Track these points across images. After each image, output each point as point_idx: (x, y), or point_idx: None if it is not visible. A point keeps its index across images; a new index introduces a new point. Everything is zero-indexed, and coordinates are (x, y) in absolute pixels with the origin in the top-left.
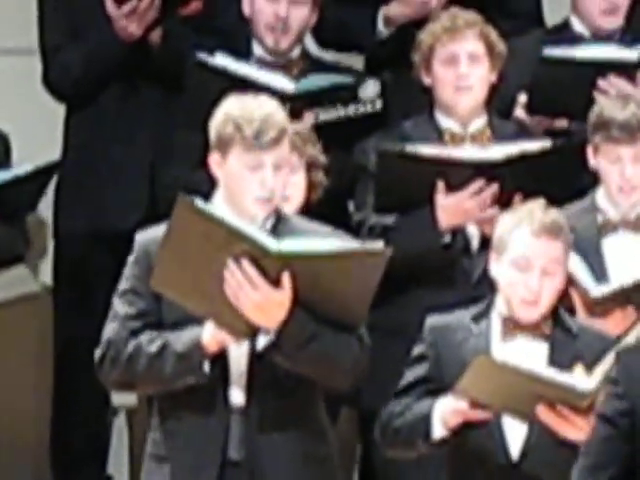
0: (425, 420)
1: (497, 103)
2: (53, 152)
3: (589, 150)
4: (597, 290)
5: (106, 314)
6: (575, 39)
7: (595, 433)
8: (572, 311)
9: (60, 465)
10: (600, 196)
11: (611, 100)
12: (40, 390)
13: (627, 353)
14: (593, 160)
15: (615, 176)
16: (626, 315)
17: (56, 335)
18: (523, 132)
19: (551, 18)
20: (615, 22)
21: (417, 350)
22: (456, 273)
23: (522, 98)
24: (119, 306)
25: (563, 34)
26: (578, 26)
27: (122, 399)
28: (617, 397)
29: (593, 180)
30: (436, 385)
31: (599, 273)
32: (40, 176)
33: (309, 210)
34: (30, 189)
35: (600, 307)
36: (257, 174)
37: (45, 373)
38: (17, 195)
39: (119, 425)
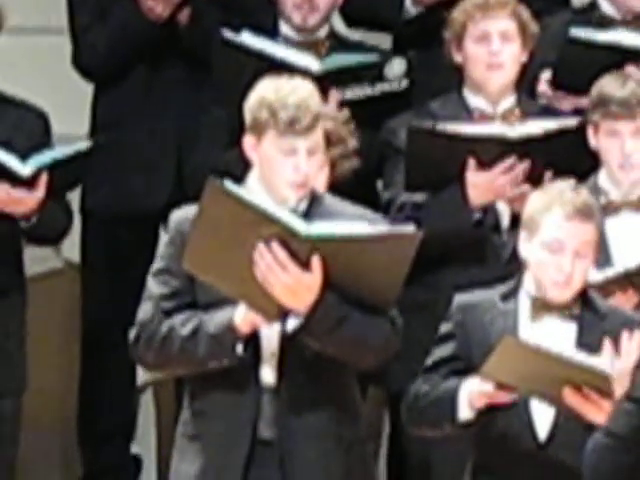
0: (451, 401)
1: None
2: (82, 131)
3: (589, 129)
4: (596, 276)
5: (133, 292)
6: (604, 21)
7: (626, 416)
8: None
9: (87, 442)
10: (602, 177)
11: (610, 78)
12: (67, 367)
13: None
14: (593, 139)
15: (615, 152)
16: (627, 297)
17: (84, 312)
18: (549, 110)
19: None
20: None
21: (444, 328)
22: (486, 251)
23: (546, 74)
24: (153, 286)
25: (591, 15)
26: (607, 7)
27: (148, 376)
28: None
29: (595, 163)
30: (463, 364)
31: (602, 254)
32: (81, 158)
33: (334, 187)
34: (70, 170)
35: (601, 290)
36: (291, 159)
37: (71, 350)
38: (62, 173)
39: (146, 402)
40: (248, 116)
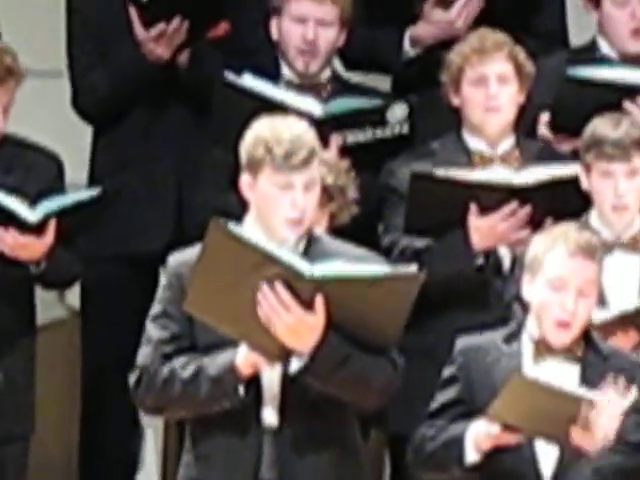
0: (458, 444)
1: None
2: (80, 173)
3: (581, 171)
4: (597, 316)
5: (133, 336)
6: (602, 61)
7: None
8: None
9: None
10: (593, 218)
11: (603, 119)
12: (68, 414)
13: None
14: (585, 181)
15: (608, 193)
16: (629, 337)
17: (84, 357)
18: (549, 152)
19: (575, 39)
20: None
21: (448, 372)
22: (489, 295)
23: (545, 117)
24: (152, 330)
25: (590, 55)
26: (605, 48)
27: (151, 420)
28: None
29: (585, 203)
30: (468, 407)
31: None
32: (90, 205)
33: (334, 231)
34: (81, 216)
35: (603, 331)
36: (287, 195)
37: (73, 397)
38: (74, 219)
39: (148, 445)
40: (244, 155)
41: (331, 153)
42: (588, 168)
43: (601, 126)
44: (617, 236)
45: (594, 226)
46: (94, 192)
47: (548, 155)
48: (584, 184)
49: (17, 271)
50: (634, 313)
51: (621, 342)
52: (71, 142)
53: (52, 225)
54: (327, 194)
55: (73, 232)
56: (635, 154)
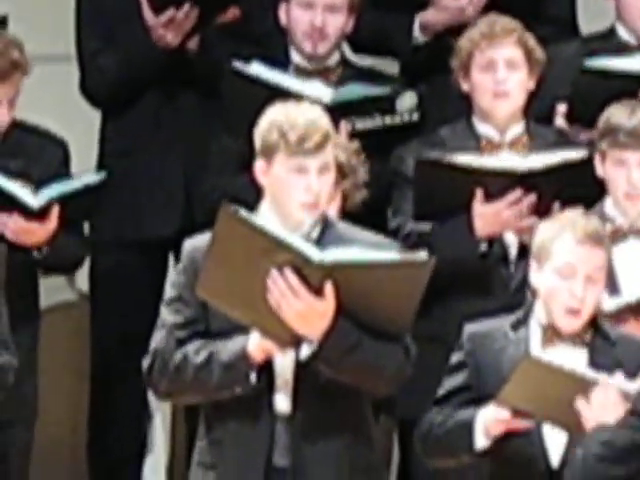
0: (467, 430)
1: (536, 110)
2: (89, 159)
3: (596, 158)
4: (610, 303)
5: (142, 321)
6: (620, 48)
7: (629, 430)
8: None
9: (97, 472)
10: (608, 205)
11: (619, 107)
12: (77, 397)
13: None
14: (600, 168)
15: (622, 182)
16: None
17: (93, 342)
18: (563, 140)
19: (586, 26)
20: None
21: (455, 358)
22: (494, 281)
23: (562, 108)
24: (166, 314)
25: (608, 42)
26: (624, 34)
27: (159, 404)
28: None
29: (601, 190)
30: (475, 393)
31: (609, 282)
32: (93, 189)
33: (345, 216)
34: (86, 200)
35: (614, 318)
36: (302, 178)
37: (82, 380)
38: (77, 204)
39: (157, 430)
40: (258, 141)
41: (340, 139)
42: (603, 156)
43: (616, 114)
44: (631, 223)
45: (609, 213)
46: (98, 177)
47: (561, 143)
48: (599, 171)
49: (20, 256)
50: None
51: (634, 329)
52: (79, 128)
53: (55, 210)
54: (341, 172)
55: (77, 217)
56: None
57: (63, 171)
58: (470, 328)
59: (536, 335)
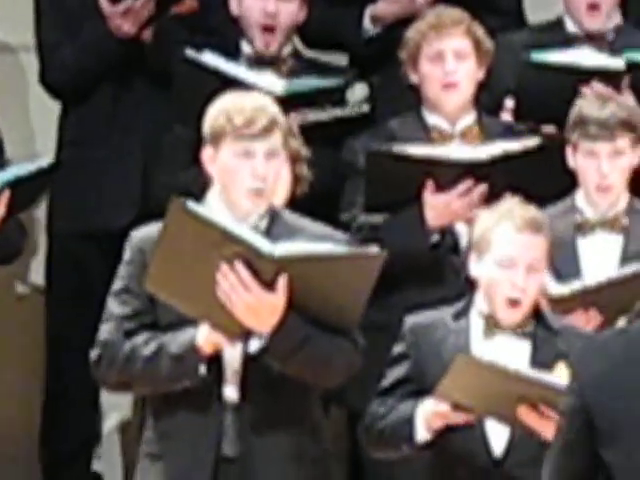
0: (408, 423)
1: (485, 103)
2: (47, 150)
3: (568, 149)
4: (557, 289)
5: (99, 313)
6: (567, 40)
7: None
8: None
9: (49, 464)
10: (579, 196)
11: (591, 99)
12: (28, 392)
13: None
14: (572, 159)
15: (592, 173)
16: (589, 317)
17: (48, 334)
18: (511, 128)
19: (532, 17)
20: (597, 20)
21: (397, 350)
22: (446, 271)
23: (509, 103)
24: (114, 306)
25: (556, 33)
26: (571, 26)
27: (112, 398)
28: None
29: (573, 181)
30: (418, 385)
31: (574, 273)
32: (42, 175)
33: (295, 204)
34: (31, 187)
35: (560, 306)
36: (248, 163)
37: (35, 373)
38: (24, 191)
39: (111, 424)
40: (206, 128)
41: (293, 126)
42: (574, 147)
43: (587, 105)
44: (601, 216)
45: (579, 205)
46: (46, 162)
47: (510, 134)
48: (570, 162)
49: None
50: (595, 290)
51: (580, 321)
52: (38, 118)
53: (5, 196)
54: (292, 157)
55: (23, 204)
56: (620, 135)
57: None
58: (411, 319)
59: (477, 325)
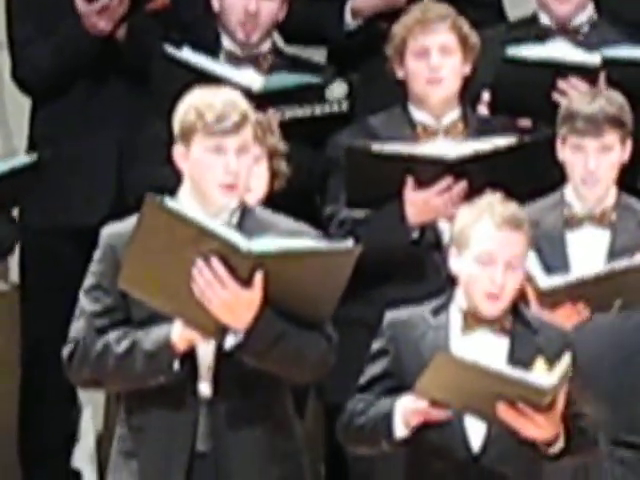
0: (387, 419)
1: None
2: (19, 146)
3: (557, 142)
4: (546, 282)
5: (72, 310)
6: (542, 34)
7: None
8: (526, 303)
9: (27, 460)
10: (568, 190)
11: (580, 94)
12: (5, 390)
13: None
14: (561, 153)
15: (579, 167)
16: (577, 311)
17: (23, 331)
18: (491, 125)
19: (511, 11)
20: (566, 6)
21: (376, 345)
22: (427, 268)
23: (485, 96)
24: (85, 303)
25: (532, 28)
26: (545, 19)
27: (89, 394)
28: None
29: (562, 175)
30: (397, 381)
31: (562, 267)
32: (27, 171)
33: (272, 200)
34: (16, 183)
35: (549, 299)
36: (220, 159)
37: (12, 370)
38: (7, 187)
39: (87, 419)
40: (176, 125)
41: (272, 122)
42: (563, 140)
43: (577, 100)
44: (589, 210)
45: (567, 199)
46: (28, 159)
47: (490, 129)
48: (560, 156)
49: None
50: (583, 283)
51: (567, 315)
52: (9, 113)
53: None
54: (270, 152)
55: (6, 200)
56: (608, 130)
57: None
58: (390, 315)
59: (456, 321)
